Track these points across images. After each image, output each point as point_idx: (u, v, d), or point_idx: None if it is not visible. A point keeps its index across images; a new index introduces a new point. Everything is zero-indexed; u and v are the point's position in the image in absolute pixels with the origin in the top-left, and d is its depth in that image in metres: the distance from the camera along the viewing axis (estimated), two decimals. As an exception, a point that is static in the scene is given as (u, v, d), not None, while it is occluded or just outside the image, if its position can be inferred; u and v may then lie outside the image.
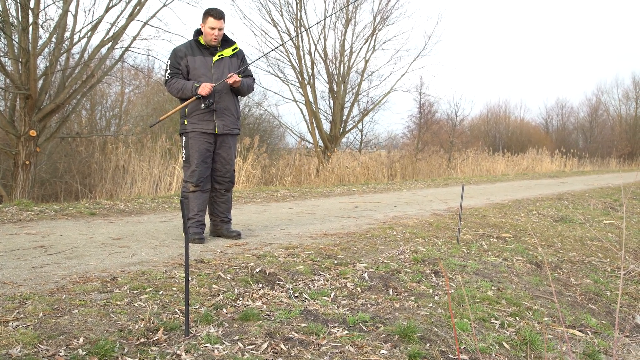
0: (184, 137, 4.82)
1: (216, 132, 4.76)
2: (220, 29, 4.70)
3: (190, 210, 4.75)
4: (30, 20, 9.15)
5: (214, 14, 4.66)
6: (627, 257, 5.99)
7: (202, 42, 4.76)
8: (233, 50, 4.89)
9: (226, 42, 4.88)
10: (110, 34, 10.45)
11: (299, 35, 16.56)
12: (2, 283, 3.19)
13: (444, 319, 3.14)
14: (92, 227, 5.49)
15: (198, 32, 4.84)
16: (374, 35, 17.63)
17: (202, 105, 4.62)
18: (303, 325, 2.78)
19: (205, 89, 4.59)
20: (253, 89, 5.17)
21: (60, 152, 12.02)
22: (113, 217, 6.25)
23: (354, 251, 4.66)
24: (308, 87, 17.08)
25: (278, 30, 16.62)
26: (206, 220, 4.93)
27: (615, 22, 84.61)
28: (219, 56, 4.80)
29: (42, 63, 10.45)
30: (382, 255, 4.58)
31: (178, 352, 2.38)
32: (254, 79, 5.16)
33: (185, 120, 4.78)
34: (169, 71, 4.79)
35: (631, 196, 12.73)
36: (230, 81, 4.70)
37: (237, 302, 3.08)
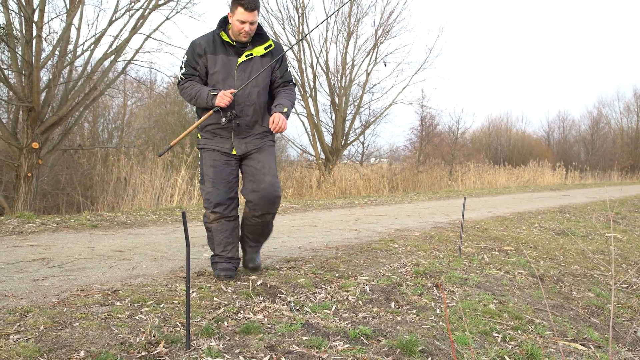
0: (199, 153, 3.88)
1: (234, 153, 3.76)
2: (252, 23, 3.61)
3: (215, 246, 3.83)
4: (34, 33, 9.23)
5: (246, 3, 3.55)
6: (629, 269, 5.97)
7: (226, 37, 3.69)
8: (266, 48, 3.78)
9: (259, 36, 3.76)
10: (113, 47, 10.55)
11: (301, 48, 16.64)
12: (3, 296, 3.20)
13: (446, 333, 3.13)
14: (94, 239, 5.49)
15: (224, 22, 3.73)
16: (376, 49, 17.76)
17: (223, 119, 3.60)
18: (304, 338, 2.77)
19: (224, 99, 3.55)
20: (295, 99, 3.97)
21: (62, 164, 12.06)
22: (114, 230, 6.25)
23: (356, 264, 4.65)
24: (310, 100, 17.16)
25: (281, 44, 16.72)
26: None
27: (616, 35, 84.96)
28: (246, 56, 3.71)
29: (45, 76, 10.56)
30: (383, 268, 4.57)
31: (179, 365, 2.37)
32: (294, 84, 4.01)
33: (199, 134, 3.84)
34: (183, 70, 3.73)
35: (633, 209, 12.70)
36: (276, 128, 3.60)
37: (239, 315, 3.08)
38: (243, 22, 3.58)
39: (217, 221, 3.75)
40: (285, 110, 3.68)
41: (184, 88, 3.71)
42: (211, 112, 3.62)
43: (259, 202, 3.71)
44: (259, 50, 3.74)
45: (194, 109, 4.07)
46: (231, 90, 3.59)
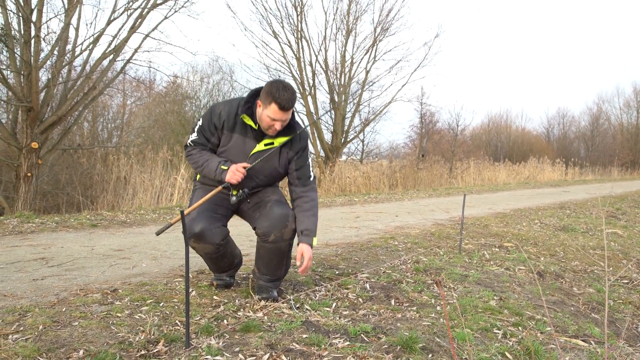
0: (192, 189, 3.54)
1: (234, 194, 3.26)
2: (285, 121, 3.15)
3: (211, 270, 3.58)
4: (33, 33, 9.20)
5: (282, 102, 3.03)
6: (630, 265, 5.96)
7: (248, 121, 3.20)
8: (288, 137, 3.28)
9: (288, 126, 3.25)
10: (112, 46, 10.52)
11: (300, 46, 16.63)
12: (2, 295, 3.19)
13: (446, 330, 3.12)
14: (93, 238, 5.49)
15: (253, 96, 3.20)
16: (375, 46, 17.74)
17: (233, 198, 3.23)
18: (304, 336, 2.76)
19: (236, 175, 3.15)
20: (318, 206, 3.40)
21: (62, 163, 12.06)
22: (114, 229, 6.24)
23: (356, 261, 4.65)
24: (309, 98, 17.15)
25: (279, 42, 16.73)
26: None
27: (616, 32, 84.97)
28: (266, 144, 3.24)
29: (44, 75, 10.53)
30: (383, 265, 4.57)
31: (178, 364, 2.36)
32: (314, 179, 3.46)
33: (198, 176, 3.47)
34: (194, 136, 3.30)
35: (633, 205, 12.69)
36: (304, 272, 3.20)
37: (238, 313, 3.07)
38: (274, 120, 3.10)
39: (206, 255, 3.36)
40: (315, 242, 3.24)
41: (192, 155, 3.31)
42: (220, 187, 3.19)
43: (269, 225, 3.23)
44: (281, 140, 3.25)
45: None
46: (244, 164, 3.19)
